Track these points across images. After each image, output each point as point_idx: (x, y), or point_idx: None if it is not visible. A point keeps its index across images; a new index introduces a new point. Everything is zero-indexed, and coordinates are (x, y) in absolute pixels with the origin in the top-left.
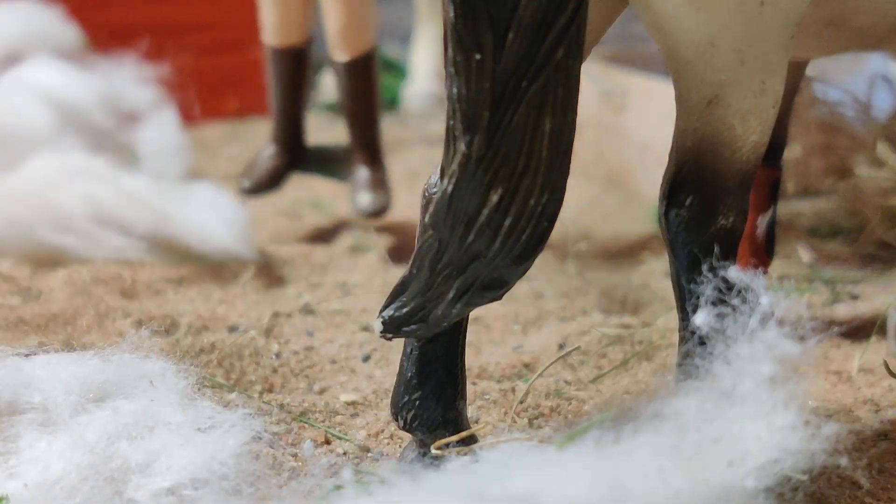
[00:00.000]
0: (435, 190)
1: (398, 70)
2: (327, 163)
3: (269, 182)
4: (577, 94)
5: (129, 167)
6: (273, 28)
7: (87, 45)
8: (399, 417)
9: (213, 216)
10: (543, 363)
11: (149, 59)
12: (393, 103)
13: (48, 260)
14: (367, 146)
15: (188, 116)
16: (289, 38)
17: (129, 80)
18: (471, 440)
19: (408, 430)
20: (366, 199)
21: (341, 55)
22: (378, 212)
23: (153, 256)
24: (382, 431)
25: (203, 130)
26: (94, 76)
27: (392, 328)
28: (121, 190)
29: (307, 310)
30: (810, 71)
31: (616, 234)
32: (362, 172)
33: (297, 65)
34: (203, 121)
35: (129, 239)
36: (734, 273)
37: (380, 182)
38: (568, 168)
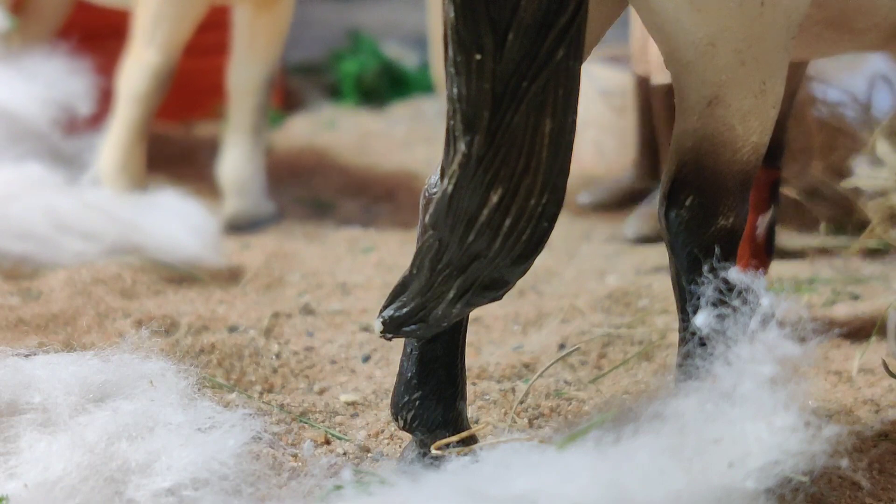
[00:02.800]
0: (435, 190)
1: (398, 71)
2: None
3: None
4: (578, 95)
5: (80, 174)
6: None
7: (19, 29)
8: (399, 417)
9: (180, 224)
10: (543, 363)
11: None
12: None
13: (13, 272)
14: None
15: (188, 116)
16: None
17: (64, 75)
18: (471, 440)
19: (408, 431)
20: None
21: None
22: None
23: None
24: (382, 432)
25: (203, 131)
26: (33, 79)
27: (392, 328)
28: (83, 201)
29: (307, 310)
30: (810, 71)
31: (616, 234)
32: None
33: None
34: (203, 121)
35: (95, 247)
36: (734, 274)
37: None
38: (568, 168)
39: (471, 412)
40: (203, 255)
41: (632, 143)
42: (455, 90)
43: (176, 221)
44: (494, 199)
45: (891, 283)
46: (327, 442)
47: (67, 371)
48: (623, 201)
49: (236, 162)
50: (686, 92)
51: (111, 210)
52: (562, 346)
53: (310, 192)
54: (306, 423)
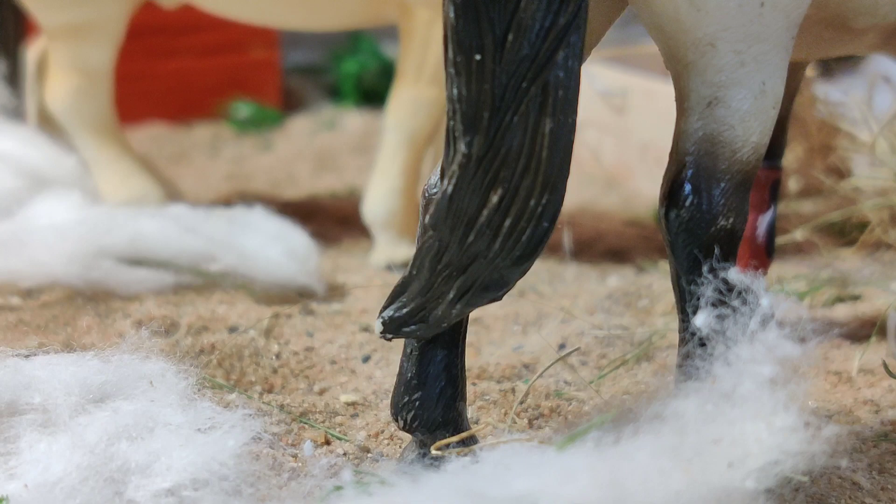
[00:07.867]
0: (435, 191)
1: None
2: None
3: None
4: (578, 95)
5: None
6: None
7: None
8: (399, 418)
9: (279, 247)
10: (543, 363)
11: (149, 59)
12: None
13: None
14: None
15: (188, 116)
16: None
17: None
18: (471, 441)
19: (408, 431)
20: None
21: None
22: None
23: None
24: (382, 432)
25: (203, 131)
26: None
27: (392, 328)
28: (164, 221)
29: (307, 310)
30: (810, 71)
31: (616, 234)
32: None
33: None
34: (203, 121)
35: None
36: (734, 274)
37: None
38: (568, 168)
39: (471, 412)
40: (302, 279)
41: (632, 142)
42: (455, 91)
43: (274, 243)
44: (494, 199)
45: (891, 284)
46: (327, 442)
47: (67, 371)
48: None
49: None
50: (686, 92)
51: (195, 227)
52: (562, 346)
53: (309, 191)
54: (306, 423)
